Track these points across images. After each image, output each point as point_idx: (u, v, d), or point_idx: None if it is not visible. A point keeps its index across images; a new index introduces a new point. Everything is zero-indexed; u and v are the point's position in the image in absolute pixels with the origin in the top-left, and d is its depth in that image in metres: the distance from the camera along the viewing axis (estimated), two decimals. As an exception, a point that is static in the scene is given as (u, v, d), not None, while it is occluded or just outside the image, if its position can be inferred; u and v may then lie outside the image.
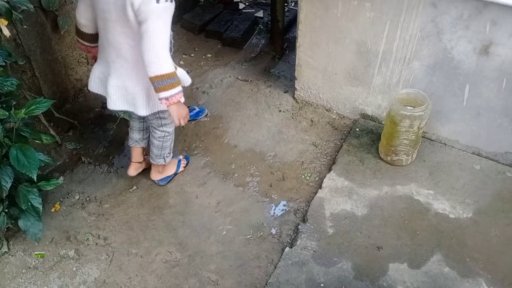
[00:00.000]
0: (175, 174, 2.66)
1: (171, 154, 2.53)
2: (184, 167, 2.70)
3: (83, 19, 2.12)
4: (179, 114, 2.04)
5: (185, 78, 2.23)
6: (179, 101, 1.99)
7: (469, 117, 2.51)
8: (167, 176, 2.62)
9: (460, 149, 2.63)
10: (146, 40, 1.80)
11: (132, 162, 2.58)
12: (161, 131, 2.35)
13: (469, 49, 2.30)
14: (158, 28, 1.80)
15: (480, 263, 2.10)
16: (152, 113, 2.17)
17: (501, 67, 2.27)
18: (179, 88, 1.95)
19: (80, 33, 2.20)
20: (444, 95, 2.51)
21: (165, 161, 2.49)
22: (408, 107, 2.35)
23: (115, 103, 2.14)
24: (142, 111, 2.13)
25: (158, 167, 2.56)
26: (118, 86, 2.09)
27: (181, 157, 2.71)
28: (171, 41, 2.02)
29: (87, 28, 2.15)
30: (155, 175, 2.60)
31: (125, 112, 2.90)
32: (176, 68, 2.15)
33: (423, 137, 2.65)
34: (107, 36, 1.99)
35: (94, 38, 2.16)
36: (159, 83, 1.87)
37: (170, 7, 1.82)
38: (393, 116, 2.37)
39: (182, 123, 2.09)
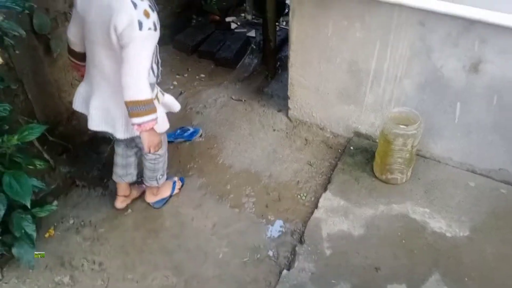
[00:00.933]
0: (170, 196, 2.64)
1: (165, 176, 2.52)
2: (179, 189, 2.69)
3: (73, 37, 2.13)
4: (150, 142, 2.03)
5: (174, 104, 2.24)
6: (152, 129, 1.98)
7: (461, 135, 2.54)
8: (162, 199, 2.60)
9: (454, 166, 2.65)
10: (126, 65, 1.81)
11: (118, 195, 2.56)
12: (153, 153, 2.33)
13: (458, 67, 2.33)
14: (138, 54, 1.80)
15: (477, 281, 2.10)
16: (137, 137, 2.14)
17: (491, 84, 2.30)
18: (153, 116, 1.93)
19: (70, 51, 2.23)
20: (435, 113, 2.54)
21: (158, 183, 2.48)
22: (401, 126, 2.37)
23: (95, 124, 2.13)
24: (120, 134, 2.12)
25: (152, 189, 2.54)
26: (100, 107, 2.09)
27: (175, 178, 2.70)
28: (158, 67, 2.04)
29: (77, 47, 2.16)
30: (150, 198, 2.58)
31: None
32: (163, 94, 2.17)
33: (417, 154, 2.67)
34: (93, 57, 2.00)
35: (83, 57, 2.16)
36: (133, 108, 1.87)
37: (154, 36, 1.82)
38: (387, 135, 2.39)
39: (152, 151, 2.09)
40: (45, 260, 2.34)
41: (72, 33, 2.11)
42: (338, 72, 2.71)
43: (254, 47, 3.88)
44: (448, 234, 2.30)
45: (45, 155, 2.77)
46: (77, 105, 2.21)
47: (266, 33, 3.42)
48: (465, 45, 2.25)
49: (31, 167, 2.12)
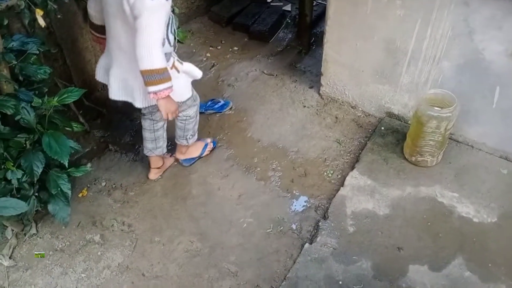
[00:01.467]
0: (200, 157, 2.72)
1: (195, 137, 2.60)
2: (210, 151, 2.76)
3: (93, 11, 2.19)
4: (167, 109, 2.08)
5: (195, 71, 2.28)
6: (168, 96, 2.03)
7: (498, 120, 2.46)
8: (191, 158, 2.70)
9: (487, 152, 2.58)
10: (139, 35, 1.84)
11: (151, 168, 2.65)
12: (182, 115, 2.43)
13: (500, 50, 2.25)
14: (150, 24, 1.83)
15: (503, 268, 2.07)
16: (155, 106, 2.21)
17: (534, 69, 2.21)
18: (168, 84, 1.98)
19: (91, 25, 2.29)
20: (473, 96, 2.46)
21: (187, 142, 2.57)
22: (436, 108, 2.32)
23: (115, 94, 2.20)
24: (139, 104, 2.19)
25: (181, 147, 2.63)
26: (118, 77, 2.16)
27: (208, 140, 2.78)
28: (174, 37, 2.09)
29: (97, 20, 2.22)
30: (179, 155, 2.69)
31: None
32: (181, 63, 2.22)
33: (449, 138, 2.61)
34: (110, 29, 2.06)
35: (103, 29, 2.21)
36: (149, 77, 1.91)
37: (165, 6, 1.85)
38: (420, 117, 2.34)
39: (170, 118, 2.14)
40: (77, 218, 2.45)
41: (92, 7, 2.17)
42: (375, 50, 2.65)
43: (289, 21, 3.83)
44: (475, 220, 2.27)
45: (81, 119, 2.87)
46: (99, 76, 2.29)
47: (303, 8, 3.36)
48: (509, 28, 2.16)
49: (68, 128, 2.20)
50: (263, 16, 3.79)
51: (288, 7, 3.95)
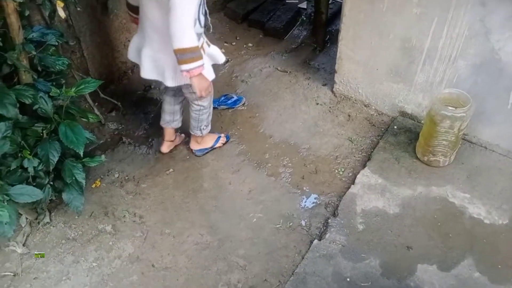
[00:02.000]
0: (212, 148, 2.77)
1: (209, 127, 2.65)
2: (223, 144, 2.81)
3: None
4: (201, 86, 2.15)
5: (218, 55, 2.35)
6: (200, 74, 2.10)
7: (513, 121, 2.44)
8: (204, 148, 2.75)
9: (500, 153, 2.55)
10: (172, 14, 1.90)
11: (164, 140, 2.73)
12: (197, 104, 2.48)
13: (518, 51, 2.22)
14: (183, 4, 1.90)
15: (513, 270, 2.06)
16: (183, 86, 2.30)
17: (551, 71, 2.18)
18: (200, 62, 2.04)
19: (128, 5, 2.37)
20: (488, 97, 2.44)
21: (201, 133, 2.62)
22: (450, 107, 2.30)
23: (146, 72, 2.29)
24: (169, 82, 2.26)
25: (196, 137, 2.69)
26: (150, 56, 2.23)
27: (222, 134, 2.83)
28: (205, 18, 2.15)
29: (133, 1, 2.30)
30: (193, 145, 2.74)
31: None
32: (209, 45, 2.28)
33: (463, 139, 2.59)
34: (144, 8, 2.13)
35: (139, 10, 2.27)
36: (181, 56, 1.98)
37: None
38: (433, 116, 2.33)
39: (204, 95, 2.21)
40: (90, 208, 2.49)
41: None
42: (390, 49, 2.64)
43: (305, 18, 3.83)
44: (486, 221, 2.25)
45: (96, 111, 2.92)
46: (131, 55, 2.37)
47: (318, 5, 3.36)
48: (527, 28, 2.14)
49: (84, 119, 2.24)
50: (278, 13, 3.79)
51: (303, 5, 3.95)
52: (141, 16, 2.20)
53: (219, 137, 2.79)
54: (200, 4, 2.04)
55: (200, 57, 2.04)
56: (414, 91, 2.71)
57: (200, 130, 2.61)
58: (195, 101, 2.45)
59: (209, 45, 2.29)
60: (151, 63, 2.25)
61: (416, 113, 2.79)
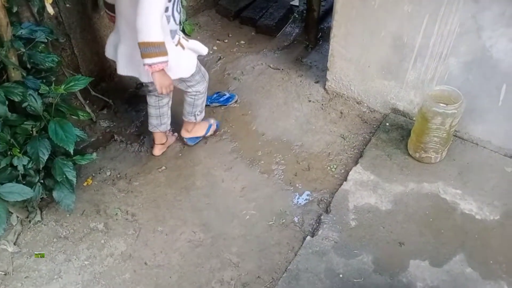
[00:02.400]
0: (204, 136, 2.79)
1: (203, 114, 2.66)
2: (214, 132, 2.83)
3: None
4: (161, 83, 2.14)
5: (200, 47, 2.35)
6: (162, 70, 2.10)
7: (504, 118, 2.45)
8: (196, 137, 2.77)
9: (492, 150, 2.57)
10: (140, 8, 1.92)
11: (155, 144, 2.73)
12: (193, 90, 2.49)
13: (509, 48, 2.23)
14: None
15: (504, 266, 2.07)
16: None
17: (542, 68, 2.20)
18: (163, 58, 2.04)
19: (106, 4, 2.38)
20: (479, 94, 2.45)
21: (195, 119, 2.63)
22: (441, 104, 2.31)
23: (122, 69, 2.31)
24: (145, 78, 2.26)
25: (188, 125, 2.69)
26: (125, 53, 2.25)
27: (212, 121, 2.83)
28: (180, 15, 2.17)
29: None
30: (185, 133, 2.75)
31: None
32: (187, 40, 2.29)
33: (454, 135, 2.61)
34: (118, 6, 2.16)
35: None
36: (144, 49, 1.98)
37: None
38: (425, 113, 2.34)
39: (164, 92, 2.20)
40: (82, 207, 2.48)
41: None
42: (382, 46, 2.64)
43: (297, 16, 3.83)
44: (478, 217, 2.26)
45: (87, 109, 2.89)
46: (108, 52, 2.38)
47: (310, 3, 3.36)
48: (519, 25, 2.15)
49: (74, 117, 2.23)
50: (270, 10, 3.79)
51: (295, 2, 3.94)
52: (116, 14, 2.22)
53: (210, 125, 2.81)
54: (174, 2, 2.05)
55: (165, 53, 2.03)
56: (405, 88, 2.72)
57: (195, 115, 2.62)
58: (188, 88, 2.47)
59: (187, 40, 2.30)
60: (126, 58, 2.26)
61: (408, 110, 2.80)
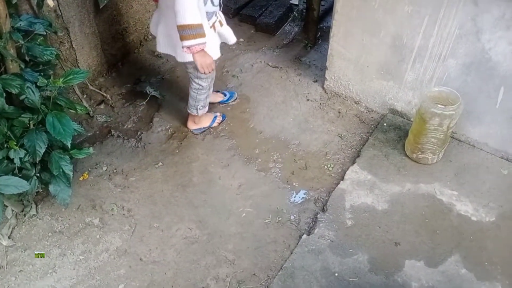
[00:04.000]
0: (209, 127, 2.84)
1: (205, 109, 2.70)
2: (219, 123, 2.87)
3: None
4: (202, 62, 2.21)
5: (229, 36, 2.46)
6: (203, 50, 2.17)
7: (501, 120, 2.46)
8: (201, 128, 2.82)
9: (488, 152, 2.58)
10: None
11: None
12: (196, 83, 2.53)
13: (508, 50, 2.24)
14: None
15: (499, 267, 2.08)
16: (188, 62, 2.34)
17: (540, 71, 2.21)
18: (201, 40, 2.10)
19: None
20: (477, 96, 2.46)
21: (197, 112, 2.68)
22: (439, 105, 2.32)
23: (161, 47, 2.39)
24: (179, 58, 2.33)
25: (193, 117, 2.76)
26: (164, 33, 2.33)
27: (218, 114, 2.88)
28: None
29: None
30: (190, 125, 2.82)
31: (155, 89, 2.99)
32: (222, 25, 2.38)
33: (451, 137, 2.61)
34: None
35: None
36: (182, 32, 2.06)
37: None
38: (423, 114, 2.35)
39: (206, 72, 2.27)
40: (78, 201, 2.46)
41: None
42: (381, 46, 2.65)
43: (296, 15, 3.83)
44: (473, 218, 2.27)
45: (85, 103, 2.88)
46: (152, 29, 2.47)
47: (310, 2, 3.36)
48: (518, 28, 2.16)
49: (72, 110, 2.21)
50: (270, 8, 3.78)
51: (295, 1, 3.93)
52: None
53: (216, 116, 2.86)
54: None
55: (202, 35, 2.09)
56: (404, 89, 2.73)
57: (197, 109, 2.66)
58: (195, 79, 2.51)
59: (221, 25, 2.37)
60: (164, 37, 2.33)
61: (406, 110, 2.80)
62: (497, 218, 2.27)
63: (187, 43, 2.08)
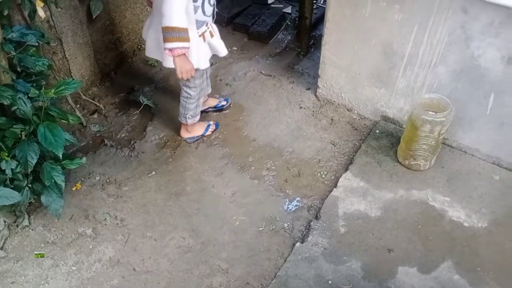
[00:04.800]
0: (202, 136, 2.85)
1: (195, 118, 2.72)
2: (212, 131, 2.88)
3: None
4: (182, 67, 2.21)
5: (220, 48, 2.46)
6: (183, 55, 2.17)
7: (492, 127, 2.48)
8: (195, 136, 2.83)
9: (480, 158, 2.60)
10: None
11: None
12: (185, 91, 2.56)
13: (497, 57, 2.26)
14: None
15: (491, 273, 2.09)
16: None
17: (528, 77, 2.23)
18: (184, 44, 2.11)
19: None
20: (468, 103, 2.48)
21: (186, 121, 2.70)
22: (430, 112, 2.34)
23: (149, 51, 2.43)
24: (166, 63, 2.33)
25: (186, 126, 2.77)
26: (153, 37, 2.34)
27: (211, 122, 2.90)
28: (213, 8, 2.29)
29: None
30: (184, 133, 2.84)
31: (148, 99, 3.00)
32: (213, 36, 2.37)
33: (443, 143, 2.63)
34: None
35: None
36: (166, 33, 2.07)
37: None
38: (414, 120, 2.36)
39: (184, 77, 2.26)
40: (70, 211, 2.46)
41: None
42: (372, 54, 2.67)
43: (289, 23, 3.86)
44: (466, 224, 2.28)
45: (77, 113, 2.88)
46: (144, 34, 2.49)
47: (303, 10, 3.38)
48: (506, 35, 2.18)
49: (64, 121, 2.21)
50: (263, 17, 3.81)
51: (288, 9, 3.97)
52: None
53: (209, 125, 2.87)
54: None
55: (186, 39, 2.10)
56: (395, 96, 2.75)
57: (186, 118, 2.68)
58: (184, 87, 2.53)
59: (212, 36, 2.37)
60: (153, 42, 2.35)
61: (398, 117, 2.82)
62: (489, 224, 2.28)
63: (169, 45, 2.09)
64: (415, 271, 2.10)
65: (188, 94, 2.55)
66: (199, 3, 2.19)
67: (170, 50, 2.11)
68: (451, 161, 2.60)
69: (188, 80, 2.41)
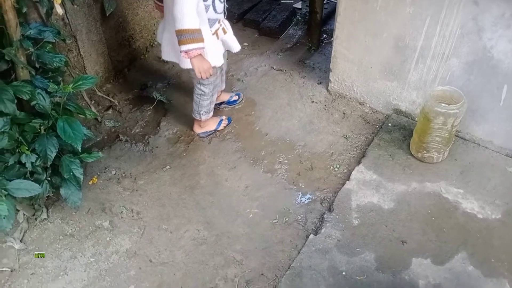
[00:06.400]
0: (215, 130, 2.88)
1: (209, 114, 2.76)
2: (225, 126, 2.92)
3: None
4: (199, 67, 2.25)
5: (233, 44, 2.48)
6: (200, 56, 2.21)
7: (506, 118, 2.47)
8: (208, 131, 2.87)
9: (493, 150, 2.59)
10: None
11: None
12: (199, 88, 2.59)
13: (509, 48, 2.26)
14: None
15: (506, 264, 2.09)
16: (192, 68, 2.35)
17: (542, 68, 2.22)
18: (199, 45, 2.14)
19: None
20: (481, 94, 2.48)
21: (200, 117, 2.73)
22: (443, 104, 2.34)
23: (165, 55, 2.47)
24: (183, 65, 2.37)
25: (199, 121, 2.80)
26: (168, 40, 2.38)
27: (224, 117, 2.93)
28: (223, 4, 2.31)
29: None
30: (196, 128, 2.87)
31: (161, 94, 3.03)
32: (226, 32, 2.40)
33: (456, 136, 2.63)
34: None
35: None
36: (180, 36, 2.11)
37: None
38: (427, 113, 2.36)
39: (203, 77, 2.31)
40: (87, 205, 2.50)
41: None
42: (384, 47, 2.68)
43: (300, 18, 3.87)
44: (480, 216, 2.28)
45: (93, 109, 2.93)
46: (158, 37, 2.53)
47: (313, 5, 3.39)
48: (518, 27, 2.18)
49: (81, 115, 2.26)
50: (273, 13, 3.83)
51: (298, 5, 3.98)
52: (164, 3, 2.32)
53: (221, 120, 2.90)
54: None
55: (200, 40, 2.13)
56: (408, 89, 2.75)
57: (200, 114, 2.71)
58: (198, 84, 2.56)
59: (225, 32, 2.40)
60: (168, 45, 2.39)
61: (410, 110, 2.83)
62: (503, 216, 2.28)
63: (184, 47, 2.12)
64: (429, 262, 2.11)
65: (202, 91, 2.58)
66: (209, 1, 2.21)
67: (186, 52, 2.14)
68: (464, 153, 2.59)
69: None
